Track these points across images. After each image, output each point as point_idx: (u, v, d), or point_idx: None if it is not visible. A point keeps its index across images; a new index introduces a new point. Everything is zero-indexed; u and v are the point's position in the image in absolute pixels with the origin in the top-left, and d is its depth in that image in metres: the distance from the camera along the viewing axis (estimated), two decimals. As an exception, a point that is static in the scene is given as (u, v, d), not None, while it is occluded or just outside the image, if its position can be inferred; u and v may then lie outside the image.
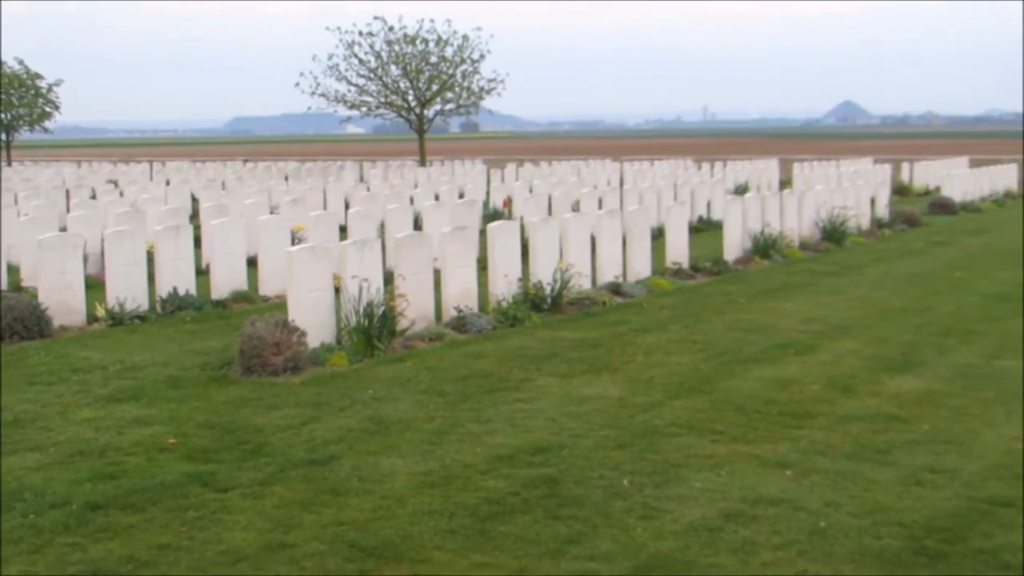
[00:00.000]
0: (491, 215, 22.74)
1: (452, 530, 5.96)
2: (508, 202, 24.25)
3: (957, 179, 29.59)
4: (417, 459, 7.21)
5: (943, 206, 26.77)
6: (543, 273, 12.91)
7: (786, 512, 6.18)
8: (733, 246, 17.30)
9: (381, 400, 8.74)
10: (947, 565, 5.47)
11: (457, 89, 44.23)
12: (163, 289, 13.03)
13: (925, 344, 10.85)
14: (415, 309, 11.29)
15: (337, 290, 10.85)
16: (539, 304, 12.61)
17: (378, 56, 43.66)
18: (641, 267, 15.23)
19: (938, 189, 30.78)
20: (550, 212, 19.57)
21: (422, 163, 44.42)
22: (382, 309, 10.66)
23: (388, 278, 11.52)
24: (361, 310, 10.51)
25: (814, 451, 7.33)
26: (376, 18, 43.39)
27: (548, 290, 12.77)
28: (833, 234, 19.67)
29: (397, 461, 7.16)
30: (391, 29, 43.39)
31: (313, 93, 44.37)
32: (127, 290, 12.46)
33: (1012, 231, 22.36)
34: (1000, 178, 32.50)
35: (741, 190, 31.43)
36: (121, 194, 26.15)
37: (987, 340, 11.06)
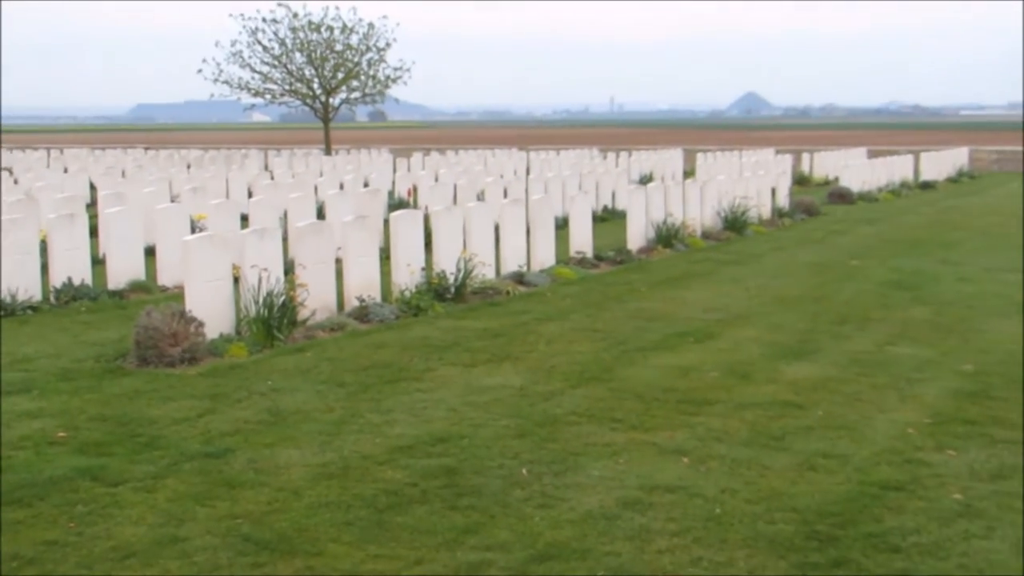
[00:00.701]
0: (396, 204, 22.62)
1: (348, 522, 5.90)
2: (413, 191, 24.14)
3: (855, 169, 30.20)
4: (315, 450, 7.13)
5: (841, 196, 27.29)
6: (447, 263, 12.86)
7: (682, 499, 6.24)
8: (637, 235, 17.43)
9: (280, 391, 8.63)
10: (837, 549, 5.56)
11: (363, 77, 43.81)
12: (57, 279, 12.72)
13: (821, 331, 11.05)
14: (316, 299, 11.17)
15: (236, 280, 10.69)
16: (442, 294, 12.57)
17: (282, 43, 43.05)
18: (545, 256, 15.27)
19: (837, 179, 31.35)
20: (455, 201, 19.51)
21: (327, 152, 43.98)
22: (282, 299, 10.53)
23: (289, 268, 11.38)
24: (261, 300, 10.37)
25: (711, 438, 7.41)
26: (280, 4, 42.83)
27: (452, 280, 12.73)
28: (735, 223, 19.93)
29: (294, 453, 7.07)
30: (295, 16, 42.85)
31: (216, 80, 43.62)
32: (19, 280, 12.13)
33: (907, 220, 22.90)
34: (897, 168, 33.22)
35: (646, 180, 31.66)
36: (16, 182, 25.46)
37: (881, 327, 11.30)
